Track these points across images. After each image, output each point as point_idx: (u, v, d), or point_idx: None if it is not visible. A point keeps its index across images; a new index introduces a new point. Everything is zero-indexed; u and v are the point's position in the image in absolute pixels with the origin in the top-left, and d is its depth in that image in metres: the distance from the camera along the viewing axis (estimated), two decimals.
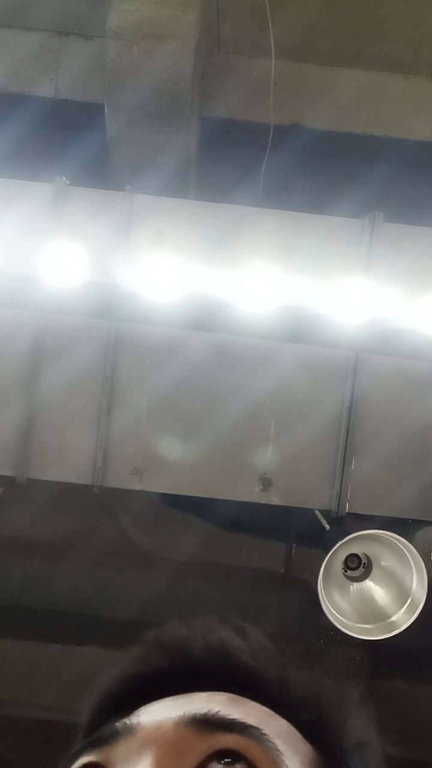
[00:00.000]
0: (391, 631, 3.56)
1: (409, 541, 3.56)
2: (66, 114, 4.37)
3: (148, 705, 0.76)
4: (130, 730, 0.73)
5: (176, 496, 3.88)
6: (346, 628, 3.53)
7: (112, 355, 3.66)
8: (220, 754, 0.70)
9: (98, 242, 3.57)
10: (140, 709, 0.76)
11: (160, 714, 0.74)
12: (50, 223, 3.60)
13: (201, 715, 0.72)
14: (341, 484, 3.67)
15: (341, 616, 3.57)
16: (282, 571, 4.53)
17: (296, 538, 4.32)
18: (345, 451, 3.67)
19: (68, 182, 3.66)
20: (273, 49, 4.17)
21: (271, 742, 0.72)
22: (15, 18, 4.36)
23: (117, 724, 0.74)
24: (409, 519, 3.72)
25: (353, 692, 0.80)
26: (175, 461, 3.68)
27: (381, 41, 4.36)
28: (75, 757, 0.75)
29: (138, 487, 3.68)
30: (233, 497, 3.71)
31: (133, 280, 3.51)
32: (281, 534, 4.28)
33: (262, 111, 4.29)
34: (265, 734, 0.72)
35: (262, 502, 3.70)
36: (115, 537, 4.33)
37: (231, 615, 0.83)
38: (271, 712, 0.76)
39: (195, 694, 0.76)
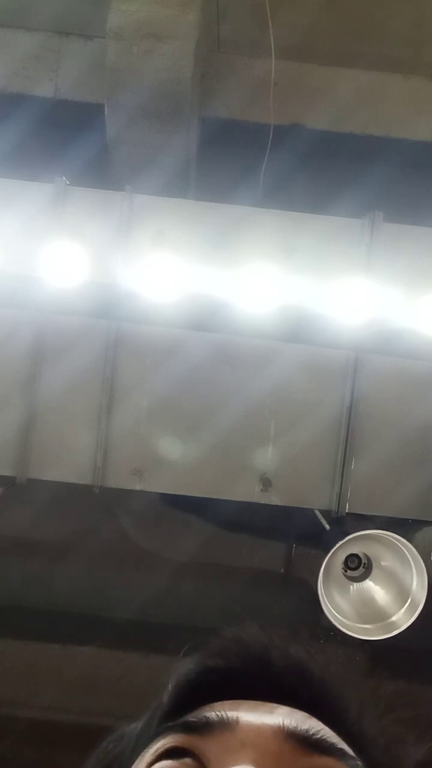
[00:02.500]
0: (391, 631, 3.56)
1: (409, 541, 3.56)
2: (66, 114, 4.37)
3: (222, 702, 0.75)
4: (227, 726, 0.72)
5: (176, 496, 3.88)
6: (346, 628, 3.53)
7: (112, 355, 3.66)
8: None
9: (98, 242, 3.57)
10: (218, 704, 0.75)
11: (256, 718, 0.73)
12: (50, 223, 3.60)
13: (302, 731, 0.72)
14: (341, 484, 3.67)
15: (341, 616, 3.57)
16: (282, 571, 4.53)
17: (296, 538, 4.32)
18: (345, 451, 3.67)
19: (68, 182, 3.66)
20: (273, 49, 4.17)
21: None
22: (15, 18, 4.36)
23: (210, 714, 0.73)
24: (409, 519, 3.72)
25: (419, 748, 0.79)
26: (175, 461, 3.68)
27: (381, 41, 4.36)
28: (155, 737, 0.74)
29: (138, 487, 3.68)
30: (233, 497, 3.71)
31: (133, 280, 3.51)
32: (281, 534, 4.28)
33: (262, 111, 4.29)
34: (362, 766, 0.73)
35: (262, 502, 3.70)
36: (115, 537, 4.33)
37: (304, 630, 0.83)
38: None
39: (273, 704, 0.75)
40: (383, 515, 3.70)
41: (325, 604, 3.51)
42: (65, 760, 3.73)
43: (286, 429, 3.67)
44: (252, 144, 4.32)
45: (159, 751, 0.72)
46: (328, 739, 0.72)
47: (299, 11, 4.26)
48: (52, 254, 3.49)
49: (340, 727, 0.75)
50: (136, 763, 0.74)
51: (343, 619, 3.56)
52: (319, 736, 0.72)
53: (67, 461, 3.67)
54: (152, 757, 0.72)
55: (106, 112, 4.06)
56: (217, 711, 0.73)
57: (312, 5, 4.29)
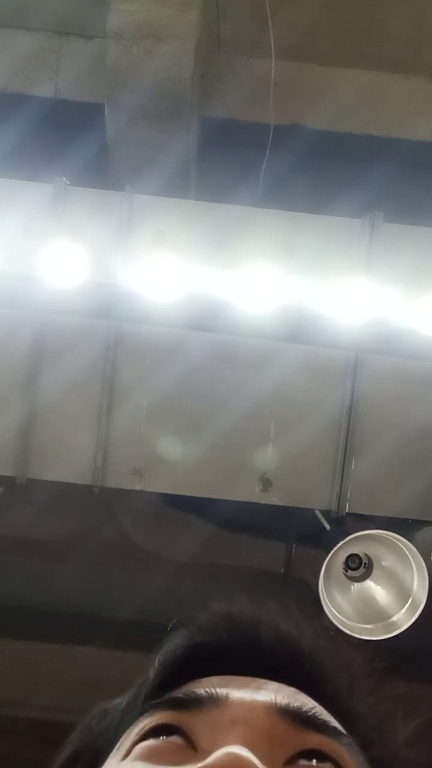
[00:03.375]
0: (392, 631, 3.56)
1: (410, 541, 3.56)
2: (66, 114, 4.37)
3: (210, 678, 0.73)
4: (216, 702, 0.70)
5: (176, 496, 3.88)
6: (346, 628, 3.53)
7: (112, 355, 3.66)
8: (309, 753, 0.69)
9: (98, 242, 3.57)
10: (206, 680, 0.72)
11: (247, 694, 0.70)
12: (50, 223, 3.60)
13: (295, 708, 0.70)
14: (341, 484, 3.67)
15: (342, 616, 3.57)
16: (282, 571, 4.52)
17: (296, 538, 4.32)
18: (345, 451, 3.67)
19: (68, 182, 3.66)
20: (273, 49, 4.17)
21: (358, 753, 0.71)
22: (15, 18, 4.36)
23: (199, 690, 0.71)
24: (409, 519, 3.72)
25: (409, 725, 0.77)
26: (175, 461, 3.68)
27: (381, 41, 4.36)
28: (141, 714, 0.72)
29: (138, 487, 3.68)
30: (233, 497, 3.71)
31: (133, 280, 3.51)
32: (281, 534, 4.28)
33: (262, 111, 4.29)
34: (354, 744, 0.71)
35: (262, 502, 3.70)
36: (115, 537, 4.33)
37: (293, 604, 0.82)
38: None
39: (264, 680, 0.73)
40: (383, 515, 3.70)
41: (326, 604, 3.51)
42: None
43: (286, 429, 3.67)
44: (252, 144, 4.32)
45: (146, 728, 0.70)
46: (321, 717, 0.71)
47: (299, 11, 4.26)
48: (52, 254, 3.49)
49: (331, 704, 0.73)
50: (121, 740, 0.72)
51: (344, 619, 3.56)
52: (311, 713, 0.70)
53: (67, 461, 3.67)
54: (138, 735, 0.70)
55: (106, 112, 4.06)
56: (206, 687, 0.71)
57: (312, 5, 4.29)
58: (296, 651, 0.75)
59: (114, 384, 3.66)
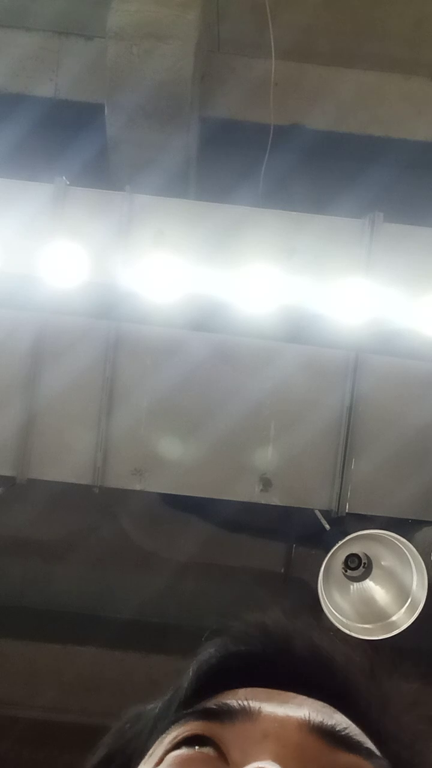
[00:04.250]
0: (391, 631, 3.56)
1: (409, 541, 3.56)
2: (66, 114, 4.37)
3: (243, 689, 0.73)
4: (249, 715, 0.69)
5: (176, 496, 3.88)
6: (346, 628, 3.53)
7: (112, 355, 3.66)
8: None
9: (98, 242, 3.57)
10: (239, 691, 0.72)
11: (280, 709, 0.70)
12: (50, 223, 3.60)
13: (329, 726, 0.70)
14: (341, 484, 3.67)
15: (341, 616, 3.57)
16: (282, 571, 4.53)
17: (296, 538, 4.32)
18: (345, 451, 3.67)
19: (68, 182, 3.66)
20: (273, 49, 4.17)
21: None
22: (15, 18, 4.36)
23: (232, 702, 0.71)
24: (409, 519, 3.72)
25: None
26: (175, 461, 3.68)
27: (381, 41, 4.36)
28: (174, 722, 0.72)
29: (138, 487, 3.68)
30: (233, 497, 3.71)
31: (133, 280, 3.51)
32: (281, 534, 4.28)
33: (262, 111, 4.29)
34: (387, 765, 0.71)
35: (262, 502, 3.70)
36: (115, 537, 4.33)
37: (327, 619, 0.82)
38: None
39: (296, 695, 0.73)
40: (383, 515, 3.70)
41: (326, 603, 3.51)
42: (65, 760, 3.74)
43: (286, 429, 3.67)
44: (252, 144, 4.32)
45: (178, 738, 0.70)
46: (355, 737, 0.70)
47: (299, 11, 4.26)
48: (52, 254, 3.49)
49: (363, 721, 0.73)
50: (153, 747, 0.73)
51: (344, 619, 3.56)
52: (345, 732, 0.70)
53: (67, 461, 3.67)
54: (171, 744, 0.70)
55: (106, 112, 4.06)
56: (240, 699, 0.71)
57: (312, 5, 4.29)
58: (329, 665, 0.75)
59: (114, 384, 3.66)
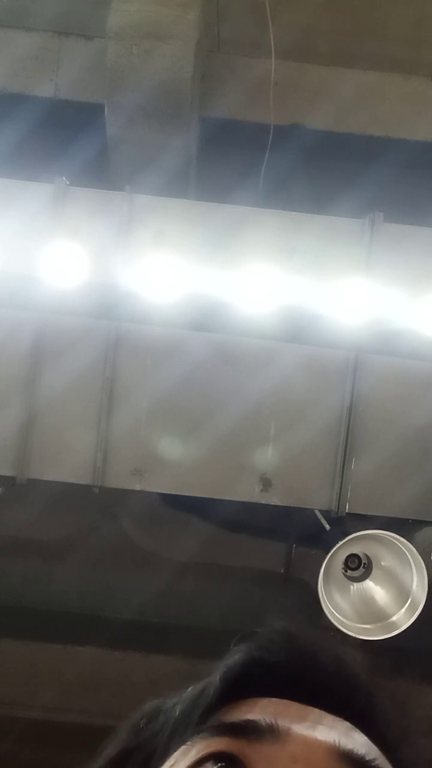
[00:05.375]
0: (391, 631, 3.56)
1: (409, 541, 3.56)
2: (66, 114, 4.37)
3: (268, 700, 0.72)
4: (276, 735, 0.68)
5: (176, 496, 3.88)
6: (346, 629, 3.53)
7: (112, 355, 3.66)
8: None
9: (98, 242, 3.57)
10: (263, 702, 0.71)
11: (309, 731, 0.69)
12: (50, 223, 3.60)
13: (359, 756, 0.69)
14: (341, 484, 3.66)
15: (341, 616, 3.57)
16: (282, 571, 4.52)
17: (296, 538, 4.32)
18: (345, 451, 3.67)
19: (68, 182, 3.66)
20: (273, 49, 4.17)
21: None
22: (15, 18, 4.36)
23: (259, 719, 0.69)
24: (409, 519, 3.72)
25: None
26: (175, 461, 3.68)
27: (381, 41, 4.36)
28: (197, 732, 0.71)
29: (138, 487, 3.68)
30: (233, 497, 3.71)
31: (133, 280, 3.51)
32: (281, 534, 4.28)
33: (262, 111, 4.29)
34: None
35: (262, 502, 3.70)
36: (115, 537, 4.33)
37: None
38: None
39: (320, 712, 0.72)
40: (383, 515, 3.70)
41: (326, 604, 3.51)
42: (65, 760, 3.74)
43: (286, 429, 3.67)
44: (252, 144, 4.32)
45: (203, 753, 0.69)
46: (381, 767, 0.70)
47: (299, 11, 4.26)
48: (52, 254, 3.49)
49: (381, 741, 0.73)
50: (176, 756, 0.71)
51: (343, 619, 3.56)
52: (375, 764, 0.69)
53: (67, 461, 3.67)
54: (196, 759, 0.69)
55: (106, 112, 4.06)
56: (267, 717, 0.70)
57: (312, 5, 4.29)
58: (353, 681, 0.75)
59: (114, 384, 3.66)
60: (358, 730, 0.72)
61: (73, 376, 3.63)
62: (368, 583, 3.71)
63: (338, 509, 3.66)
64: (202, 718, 0.72)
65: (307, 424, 3.66)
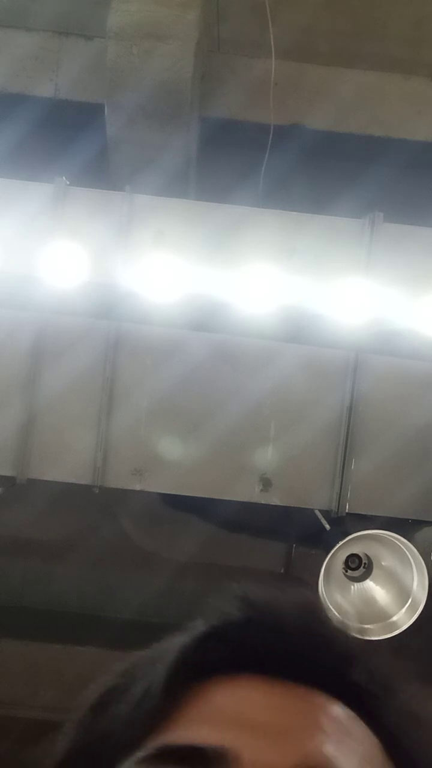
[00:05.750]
0: (391, 631, 3.56)
1: (410, 541, 3.56)
2: (66, 114, 4.37)
3: (225, 692, 0.61)
4: (226, 764, 0.57)
5: (176, 496, 3.88)
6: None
7: (112, 355, 3.66)
8: None
9: (98, 242, 3.57)
10: (228, 706, 0.60)
11: (267, 752, 0.57)
12: (50, 223, 3.60)
13: None
14: (341, 484, 3.66)
15: (342, 616, 3.56)
16: (282, 571, 4.52)
17: (296, 538, 4.31)
18: (345, 451, 3.67)
19: (68, 182, 3.65)
20: (273, 49, 4.17)
21: None
22: (15, 18, 4.36)
23: (206, 747, 0.58)
24: (409, 519, 3.72)
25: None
26: (175, 461, 3.68)
27: (381, 41, 4.36)
28: (142, 764, 0.60)
29: (138, 487, 3.68)
30: (233, 497, 3.71)
31: (133, 280, 3.51)
32: (281, 534, 4.28)
33: (262, 111, 4.29)
34: None
35: (262, 502, 3.69)
36: (115, 537, 4.33)
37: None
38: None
39: (290, 686, 0.61)
40: (383, 515, 3.69)
41: (326, 604, 3.51)
42: None
43: (286, 429, 3.67)
44: (252, 144, 4.31)
45: None
46: None
47: (299, 11, 4.26)
48: (52, 254, 3.49)
49: (362, 705, 0.62)
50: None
51: (344, 620, 3.55)
52: None
53: (67, 461, 3.67)
54: None
55: (106, 112, 4.06)
56: (215, 740, 0.58)
57: (312, 5, 4.29)
58: (322, 636, 0.64)
59: (114, 384, 3.66)
60: (348, 727, 0.61)
61: (73, 376, 3.63)
62: (369, 583, 3.71)
63: (338, 509, 3.66)
64: (150, 719, 0.61)
65: (307, 424, 3.66)
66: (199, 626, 0.65)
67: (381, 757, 0.62)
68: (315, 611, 0.67)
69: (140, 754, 0.60)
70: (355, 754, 0.60)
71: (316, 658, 0.63)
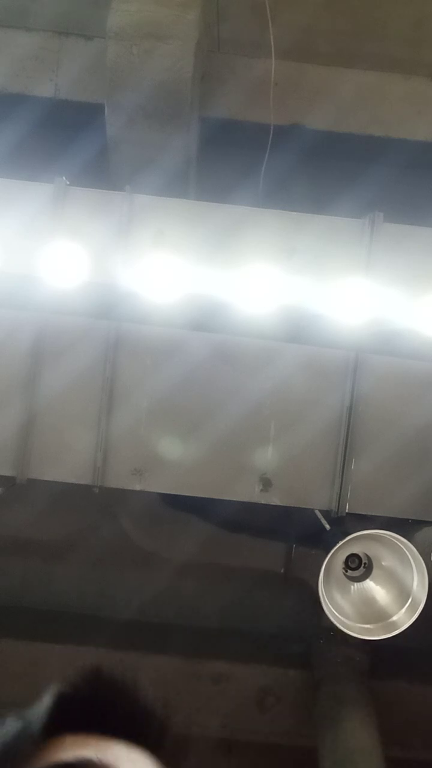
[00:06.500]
0: (391, 631, 3.56)
1: (409, 541, 3.56)
2: (66, 114, 4.37)
3: (70, 737, 0.79)
4: None
5: (176, 496, 3.88)
6: (346, 628, 3.53)
7: (112, 355, 3.66)
8: None
9: (98, 242, 3.57)
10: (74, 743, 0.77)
11: None
12: (50, 223, 3.60)
13: None
14: (341, 484, 3.66)
15: (342, 616, 3.57)
16: (282, 571, 4.53)
17: (296, 538, 4.32)
18: (345, 451, 3.67)
19: (68, 182, 3.66)
20: (273, 49, 4.17)
21: None
22: (15, 18, 4.36)
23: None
24: (409, 519, 3.72)
25: None
26: (175, 461, 3.68)
27: (381, 41, 4.36)
28: None
29: (138, 487, 3.68)
30: (233, 497, 3.71)
31: (133, 280, 3.51)
32: (281, 534, 4.28)
33: (262, 111, 4.29)
34: None
35: (262, 502, 3.70)
36: (115, 537, 4.33)
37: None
38: None
39: (117, 745, 0.78)
40: (383, 515, 3.70)
41: (326, 603, 3.51)
42: None
43: (286, 429, 3.67)
44: (252, 144, 4.32)
45: None
46: None
47: (299, 11, 4.26)
48: (52, 254, 3.49)
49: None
50: None
51: (344, 619, 3.56)
52: None
53: (67, 461, 3.67)
54: None
55: (106, 112, 4.06)
56: (73, 756, 0.77)
57: (312, 5, 4.29)
58: (146, 714, 0.86)
59: (114, 384, 3.66)
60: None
61: (73, 376, 3.63)
62: (369, 583, 3.71)
63: (338, 509, 3.66)
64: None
65: (307, 424, 3.66)
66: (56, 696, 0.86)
67: None
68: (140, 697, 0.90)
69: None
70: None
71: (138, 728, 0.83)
